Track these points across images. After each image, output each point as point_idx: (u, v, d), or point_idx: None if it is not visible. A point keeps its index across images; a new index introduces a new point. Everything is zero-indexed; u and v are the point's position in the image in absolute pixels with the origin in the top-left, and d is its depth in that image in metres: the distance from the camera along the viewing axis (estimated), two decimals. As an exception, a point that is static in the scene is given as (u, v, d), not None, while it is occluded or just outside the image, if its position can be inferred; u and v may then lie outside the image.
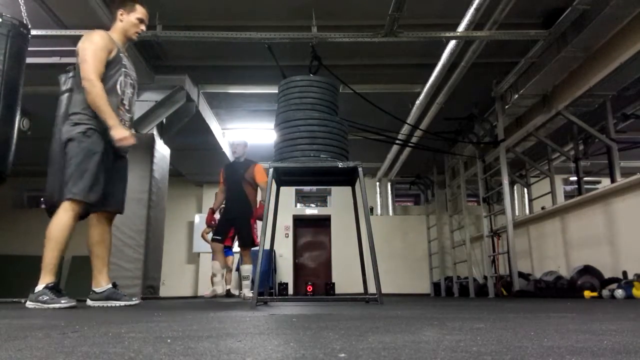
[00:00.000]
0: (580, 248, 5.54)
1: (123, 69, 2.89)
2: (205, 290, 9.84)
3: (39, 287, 2.54)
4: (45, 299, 2.48)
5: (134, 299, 2.90)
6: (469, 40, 4.81)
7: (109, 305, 2.77)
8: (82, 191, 2.68)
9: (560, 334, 0.92)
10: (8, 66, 3.09)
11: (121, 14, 2.95)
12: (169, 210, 6.95)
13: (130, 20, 2.95)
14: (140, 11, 2.98)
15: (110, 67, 2.81)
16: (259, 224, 3.90)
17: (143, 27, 3.01)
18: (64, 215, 2.67)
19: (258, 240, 4.90)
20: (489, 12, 4.44)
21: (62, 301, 2.49)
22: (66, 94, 3.87)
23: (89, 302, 2.82)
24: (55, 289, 2.57)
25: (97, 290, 2.86)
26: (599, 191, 5.20)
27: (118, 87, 2.84)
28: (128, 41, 3.04)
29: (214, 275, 5.53)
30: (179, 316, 1.64)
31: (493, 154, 6.98)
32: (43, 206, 3.98)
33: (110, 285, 2.89)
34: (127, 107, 2.91)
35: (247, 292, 5.03)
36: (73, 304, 2.51)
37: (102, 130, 2.73)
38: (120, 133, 2.71)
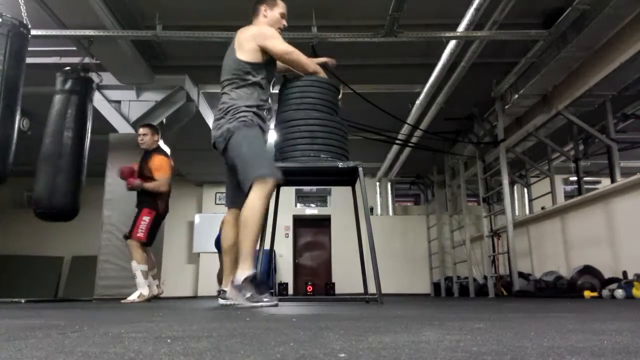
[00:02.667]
0: (580, 248, 5.53)
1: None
2: (204, 289, 9.87)
3: (239, 278, 2.32)
4: (247, 295, 2.29)
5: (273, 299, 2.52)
6: (469, 40, 4.80)
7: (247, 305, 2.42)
8: (269, 170, 2.51)
9: (560, 334, 0.92)
10: (8, 66, 3.09)
11: (265, 10, 2.87)
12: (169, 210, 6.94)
13: (274, 16, 2.87)
14: (282, 6, 2.91)
15: (269, 62, 2.79)
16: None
17: (285, 22, 2.93)
18: (260, 194, 2.44)
19: (139, 234, 4.35)
20: (489, 12, 4.44)
21: (264, 299, 2.31)
22: (61, 95, 3.85)
23: (221, 302, 2.59)
24: (254, 281, 2.35)
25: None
26: (599, 191, 5.20)
27: (271, 85, 2.86)
28: None
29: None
30: (179, 316, 1.64)
31: (493, 154, 6.98)
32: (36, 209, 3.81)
33: None
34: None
35: (134, 296, 4.29)
36: (275, 302, 2.34)
37: (262, 124, 2.69)
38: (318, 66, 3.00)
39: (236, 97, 2.67)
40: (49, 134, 3.68)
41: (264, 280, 2.38)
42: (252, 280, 2.32)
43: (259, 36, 2.72)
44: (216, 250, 7.29)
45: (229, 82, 2.71)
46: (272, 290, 9.14)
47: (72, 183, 3.68)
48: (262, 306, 2.26)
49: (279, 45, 2.75)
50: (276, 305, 2.32)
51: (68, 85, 3.81)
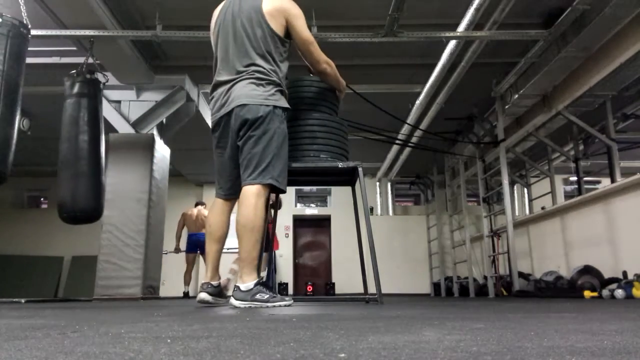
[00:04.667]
0: (580, 248, 5.53)
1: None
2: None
3: (248, 284, 2.22)
4: (265, 297, 2.20)
5: (286, 299, 2.38)
6: (469, 40, 4.81)
7: (260, 306, 2.26)
8: (281, 177, 2.39)
9: (560, 334, 0.92)
10: (8, 66, 3.09)
11: None
12: (169, 210, 6.95)
13: None
14: None
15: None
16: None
17: None
18: (259, 200, 2.31)
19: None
20: (489, 12, 4.44)
21: (286, 298, 2.26)
22: (71, 99, 3.86)
23: (204, 297, 2.43)
24: (267, 286, 2.27)
25: (243, 287, 2.29)
26: (599, 191, 5.20)
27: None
28: None
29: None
30: (179, 316, 1.64)
31: (493, 154, 6.98)
32: (63, 214, 3.83)
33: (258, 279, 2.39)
34: None
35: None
36: (292, 302, 2.30)
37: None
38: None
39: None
40: (64, 139, 3.72)
41: (266, 282, 2.36)
42: (262, 284, 2.29)
43: (288, 11, 2.56)
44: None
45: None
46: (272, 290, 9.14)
47: (93, 185, 3.73)
48: (284, 305, 2.25)
49: (306, 29, 2.56)
50: (291, 305, 2.33)
51: (76, 89, 3.83)
